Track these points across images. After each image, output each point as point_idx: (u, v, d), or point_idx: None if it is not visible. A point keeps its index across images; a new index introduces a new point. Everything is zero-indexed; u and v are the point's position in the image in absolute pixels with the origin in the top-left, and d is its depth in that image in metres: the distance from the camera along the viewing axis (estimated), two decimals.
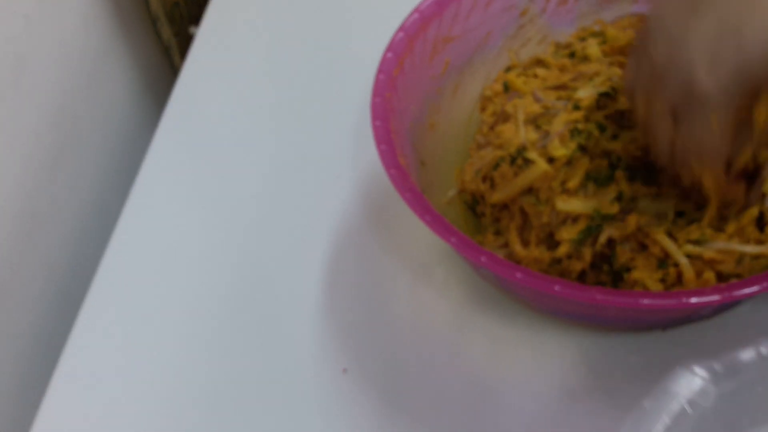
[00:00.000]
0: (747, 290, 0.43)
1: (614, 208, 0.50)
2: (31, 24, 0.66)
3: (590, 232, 0.50)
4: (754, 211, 0.49)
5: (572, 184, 0.51)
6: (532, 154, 0.52)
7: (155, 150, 0.67)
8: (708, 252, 0.48)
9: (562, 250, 0.50)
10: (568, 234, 0.50)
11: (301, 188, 0.64)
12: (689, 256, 0.49)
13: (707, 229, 0.49)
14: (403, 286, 0.57)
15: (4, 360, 0.63)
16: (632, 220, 0.49)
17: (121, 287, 0.60)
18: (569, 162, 0.52)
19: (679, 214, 0.50)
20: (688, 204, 0.50)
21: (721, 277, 0.49)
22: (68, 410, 0.55)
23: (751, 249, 0.49)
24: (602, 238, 0.50)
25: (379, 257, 0.59)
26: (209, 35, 0.75)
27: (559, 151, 0.52)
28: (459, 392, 0.53)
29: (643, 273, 0.49)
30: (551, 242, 0.51)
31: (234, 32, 0.76)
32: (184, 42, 0.81)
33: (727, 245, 0.49)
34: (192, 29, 0.81)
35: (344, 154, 0.64)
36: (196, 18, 0.80)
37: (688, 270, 0.48)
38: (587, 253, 0.50)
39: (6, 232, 0.63)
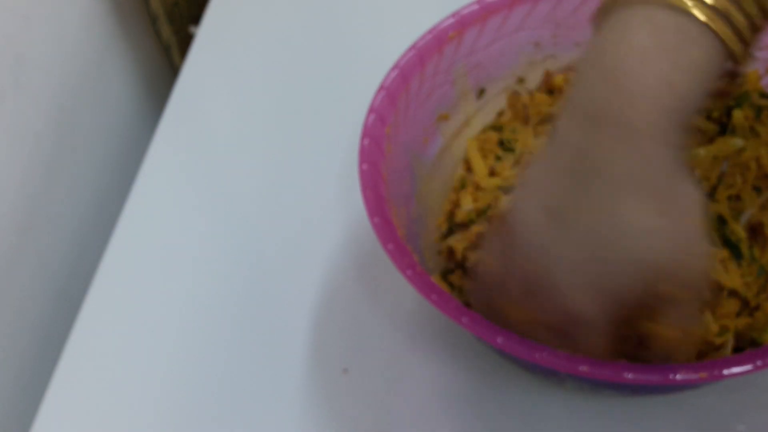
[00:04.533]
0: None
1: None
2: (31, 24, 0.66)
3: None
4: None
5: None
6: None
7: (155, 150, 0.67)
8: None
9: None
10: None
11: (304, 184, 0.64)
12: None
13: None
14: (404, 284, 0.57)
15: (4, 360, 0.63)
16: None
17: (121, 287, 0.60)
18: None
19: None
20: None
21: None
22: (68, 410, 0.55)
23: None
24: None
25: (381, 255, 0.59)
26: (209, 35, 0.75)
27: None
28: (459, 392, 0.53)
29: None
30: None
31: (234, 32, 0.76)
32: (184, 41, 0.81)
33: None
34: (192, 28, 0.81)
35: (349, 148, 0.64)
36: (195, 17, 0.80)
37: None
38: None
39: (6, 232, 0.63)
